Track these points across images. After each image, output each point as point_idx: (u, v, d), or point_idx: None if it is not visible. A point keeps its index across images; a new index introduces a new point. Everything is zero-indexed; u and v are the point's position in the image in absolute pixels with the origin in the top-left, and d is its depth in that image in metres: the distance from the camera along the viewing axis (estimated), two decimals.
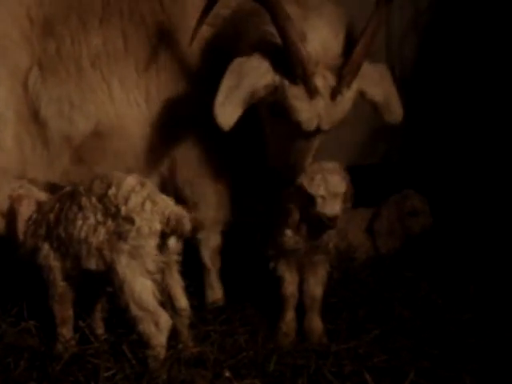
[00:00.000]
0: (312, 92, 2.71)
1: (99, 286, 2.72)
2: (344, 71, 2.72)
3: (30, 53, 2.96)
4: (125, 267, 2.46)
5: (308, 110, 2.74)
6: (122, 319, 2.56)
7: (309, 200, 2.74)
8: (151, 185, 2.59)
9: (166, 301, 2.54)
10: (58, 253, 2.63)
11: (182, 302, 2.57)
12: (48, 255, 2.64)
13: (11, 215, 2.73)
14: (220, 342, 2.62)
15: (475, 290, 3.12)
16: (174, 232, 2.49)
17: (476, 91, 4.16)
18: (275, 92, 2.74)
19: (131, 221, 2.47)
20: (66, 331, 2.65)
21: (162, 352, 2.44)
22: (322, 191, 2.72)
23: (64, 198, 2.67)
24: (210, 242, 3.14)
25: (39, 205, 2.74)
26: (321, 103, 2.73)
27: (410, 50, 4.00)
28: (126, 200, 2.50)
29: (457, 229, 3.65)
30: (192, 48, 2.95)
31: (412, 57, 3.97)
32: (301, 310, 2.92)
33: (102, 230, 2.52)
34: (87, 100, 2.98)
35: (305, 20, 2.73)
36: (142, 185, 2.55)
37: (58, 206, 2.66)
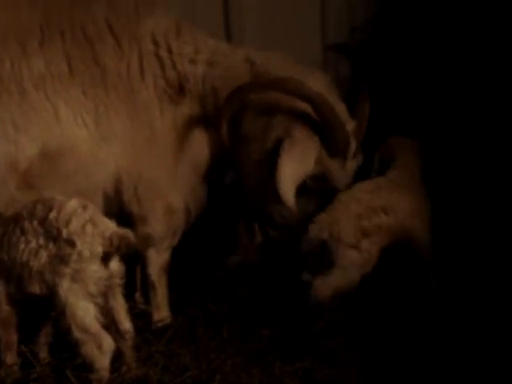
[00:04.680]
0: (346, 160, 3.09)
1: (44, 311, 2.70)
2: (360, 135, 3.15)
3: None
4: (66, 291, 2.46)
5: (344, 176, 3.13)
6: (66, 344, 2.54)
7: None
8: (93, 208, 2.59)
9: (110, 323, 2.54)
10: (1, 277, 2.61)
11: (126, 324, 2.57)
12: None
13: None
14: (164, 362, 2.62)
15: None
16: (118, 250, 2.50)
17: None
18: (318, 165, 3.04)
19: (72, 244, 2.48)
20: (10, 356, 2.64)
21: (105, 375, 2.44)
22: None
23: (7, 222, 2.65)
24: (158, 259, 3.11)
25: None
26: (350, 166, 3.13)
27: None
28: (67, 223, 2.50)
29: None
30: (142, 71, 3.06)
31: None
32: None
33: (43, 254, 2.51)
34: (32, 122, 2.96)
35: None
36: (84, 208, 2.55)
37: (1, 230, 2.65)
